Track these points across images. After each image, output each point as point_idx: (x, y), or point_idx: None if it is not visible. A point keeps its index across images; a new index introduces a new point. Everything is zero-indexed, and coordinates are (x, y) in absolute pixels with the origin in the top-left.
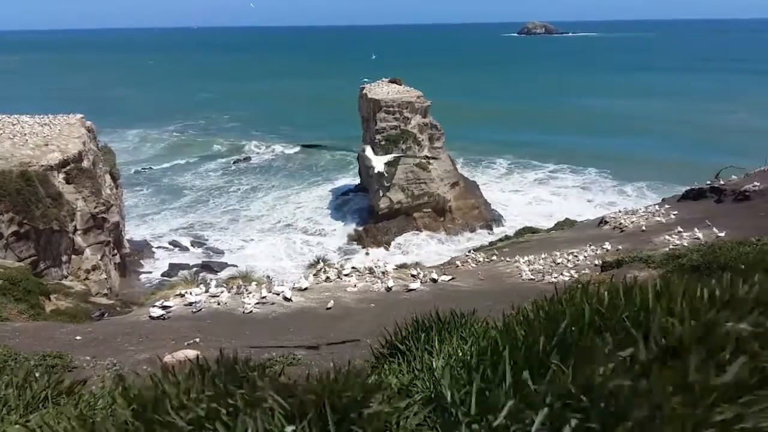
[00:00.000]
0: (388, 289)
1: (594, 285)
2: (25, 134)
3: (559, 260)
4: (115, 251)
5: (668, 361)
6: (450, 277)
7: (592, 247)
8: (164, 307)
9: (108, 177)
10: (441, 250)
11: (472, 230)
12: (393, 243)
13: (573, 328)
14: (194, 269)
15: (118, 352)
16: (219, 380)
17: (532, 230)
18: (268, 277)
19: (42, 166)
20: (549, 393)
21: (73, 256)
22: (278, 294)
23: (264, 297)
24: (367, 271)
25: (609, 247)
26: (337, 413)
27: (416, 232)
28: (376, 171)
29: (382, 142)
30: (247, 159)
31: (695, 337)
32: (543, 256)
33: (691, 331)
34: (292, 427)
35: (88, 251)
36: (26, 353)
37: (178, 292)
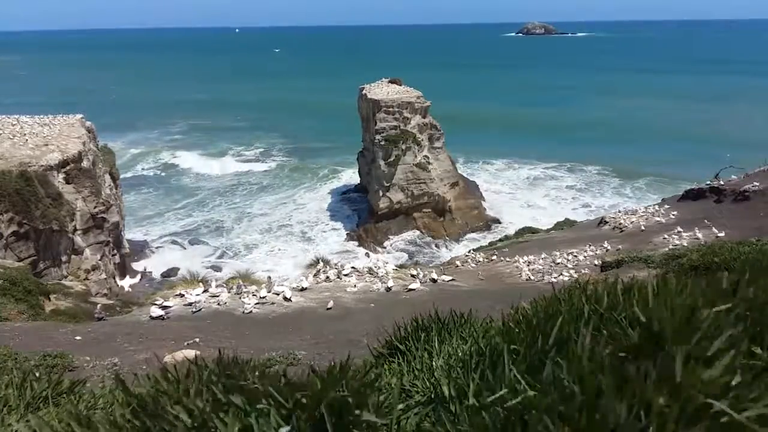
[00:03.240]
0: (388, 289)
1: (593, 285)
2: (25, 134)
3: (558, 260)
4: (115, 251)
5: (655, 352)
6: (450, 277)
7: (592, 247)
8: (164, 307)
9: (108, 177)
10: (441, 250)
11: (472, 230)
12: (393, 243)
13: (571, 327)
14: (194, 269)
15: (118, 352)
16: (217, 380)
17: (532, 230)
18: (268, 277)
19: (42, 166)
20: (546, 387)
21: (72, 256)
22: (278, 294)
23: (264, 297)
24: (367, 271)
25: (609, 247)
26: (334, 413)
27: (416, 232)
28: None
29: (382, 142)
30: (248, 160)
31: (681, 330)
32: (543, 256)
33: (671, 321)
34: (287, 428)
35: (87, 251)
36: (26, 353)
37: (178, 292)
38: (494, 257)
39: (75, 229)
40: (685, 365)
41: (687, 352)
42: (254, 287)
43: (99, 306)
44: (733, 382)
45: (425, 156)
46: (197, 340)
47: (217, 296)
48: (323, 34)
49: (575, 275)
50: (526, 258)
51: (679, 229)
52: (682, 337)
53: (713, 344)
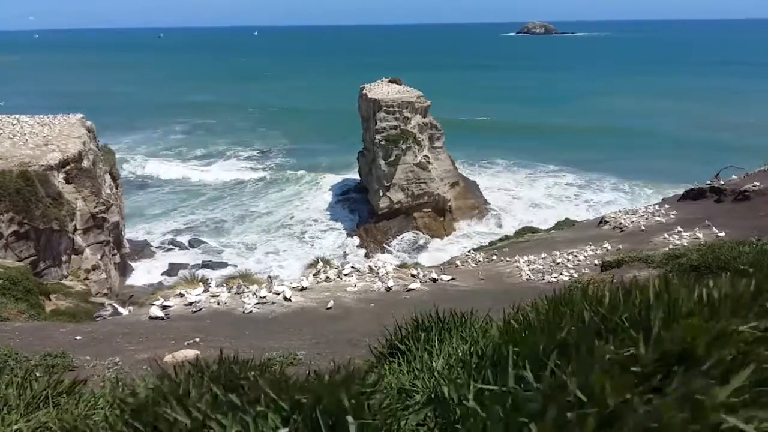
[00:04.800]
0: (388, 288)
1: (594, 285)
2: (25, 134)
3: (559, 260)
4: (115, 251)
5: (672, 367)
6: (450, 277)
7: (592, 246)
8: (164, 307)
9: (108, 177)
10: (441, 250)
11: (472, 230)
12: (393, 243)
13: (572, 329)
14: (194, 269)
15: (118, 351)
16: (217, 381)
17: (532, 230)
18: (269, 276)
19: (42, 165)
20: (547, 389)
21: (73, 256)
22: (278, 294)
23: (264, 297)
24: (367, 271)
25: (609, 247)
26: (332, 414)
27: (416, 231)
28: None
29: (382, 142)
30: (248, 159)
31: (705, 344)
32: (543, 256)
33: (701, 338)
34: (286, 430)
35: (88, 251)
36: (26, 353)
37: (178, 292)
38: (494, 257)
39: (75, 229)
40: (703, 381)
41: (707, 368)
42: (254, 287)
43: (107, 303)
44: (748, 395)
45: (425, 156)
46: (197, 339)
47: (217, 296)
48: (323, 34)
49: (575, 275)
50: (526, 258)
51: (680, 228)
52: (703, 352)
53: (731, 359)
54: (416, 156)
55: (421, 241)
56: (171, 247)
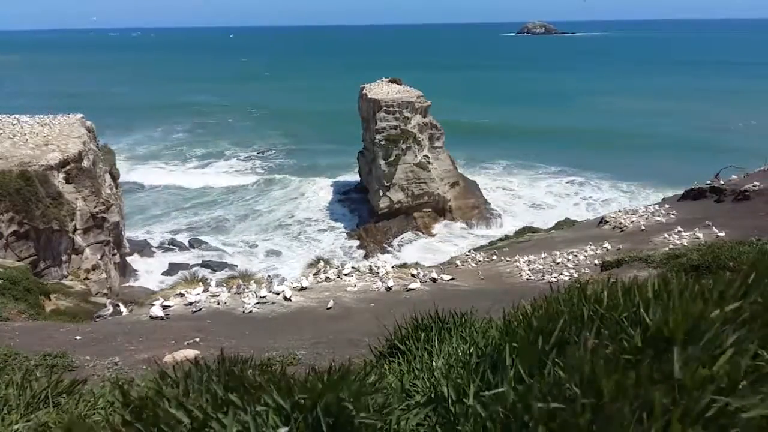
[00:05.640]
0: (388, 288)
1: (593, 284)
2: (25, 134)
3: (559, 260)
4: (115, 251)
5: (659, 354)
6: (450, 277)
7: (592, 246)
8: (164, 307)
9: (108, 177)
10: (441, 250)
11: (472, 230)
12: (393, 243)
13: (572, 328)
14: (194, 269)
15: (118, 351)
16: (217, 380)
17: (532, 230)
18: (268, 276)
19: (42, 165)
20: (546, 388)
21: (73, 256)
22: (278, 294)
23: (264, 296)
24: (367, 271)
25: (609, 247)
26: (332, 414)
27: (416, 231)
28: None
29: (382, 142)
30: (248, 159)
31: (684, 330)
32: (543, 255)
33: (681, 324)
34: (286, 429)
35: (87, 251)
36: (26, 353)
37: (178, 291)
38: (494, 257)
39: (75, 229)
40: (687, 365)
41: (691, 352)
42: (254, 287)
43: (108, 302)
44: (737, 383)
45: (425, 155)
46: (197, 339)
47: (217, 296)
48: (323, 33)
49: (575, 275)
50: (526, 258)
51: (680, 228)
52: (688, 339)
53: (718, 346)
54: (416, 156)
55: (421, 241)
56: (171, 247)
